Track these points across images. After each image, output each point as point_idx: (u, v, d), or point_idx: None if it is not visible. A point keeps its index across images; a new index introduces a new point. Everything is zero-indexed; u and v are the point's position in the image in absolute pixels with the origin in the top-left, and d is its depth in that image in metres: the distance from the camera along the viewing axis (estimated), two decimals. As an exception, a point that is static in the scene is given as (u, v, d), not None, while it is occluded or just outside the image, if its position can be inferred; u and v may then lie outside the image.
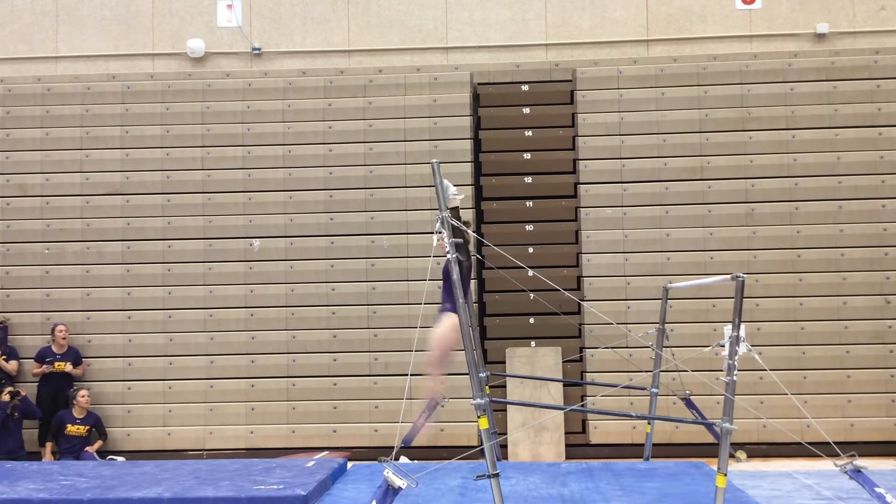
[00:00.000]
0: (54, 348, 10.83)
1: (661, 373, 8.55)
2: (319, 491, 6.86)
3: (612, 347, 9.60)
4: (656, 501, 6.62)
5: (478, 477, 5.51)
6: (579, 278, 10.88)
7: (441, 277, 6.97)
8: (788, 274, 10.69)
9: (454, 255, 5.68)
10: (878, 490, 5.73)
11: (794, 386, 10.06)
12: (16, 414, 10.43)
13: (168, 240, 11.20)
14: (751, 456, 10.20)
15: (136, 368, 11.04)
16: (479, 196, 11.10)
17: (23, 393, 10.50)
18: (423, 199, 10.89)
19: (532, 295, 8.53)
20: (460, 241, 5.93)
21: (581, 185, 11.01)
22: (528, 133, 11.08)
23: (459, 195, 6.58)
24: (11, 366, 10.87)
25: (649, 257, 10.83)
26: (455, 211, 6.25)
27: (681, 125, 10.97)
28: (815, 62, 10.97)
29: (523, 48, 11.44)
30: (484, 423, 5.54)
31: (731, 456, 9.64)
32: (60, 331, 10.84)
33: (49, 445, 10.56)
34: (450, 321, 6.80)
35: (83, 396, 10.55)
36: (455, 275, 5.67)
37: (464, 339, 5.66)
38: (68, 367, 10.80)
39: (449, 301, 6.77)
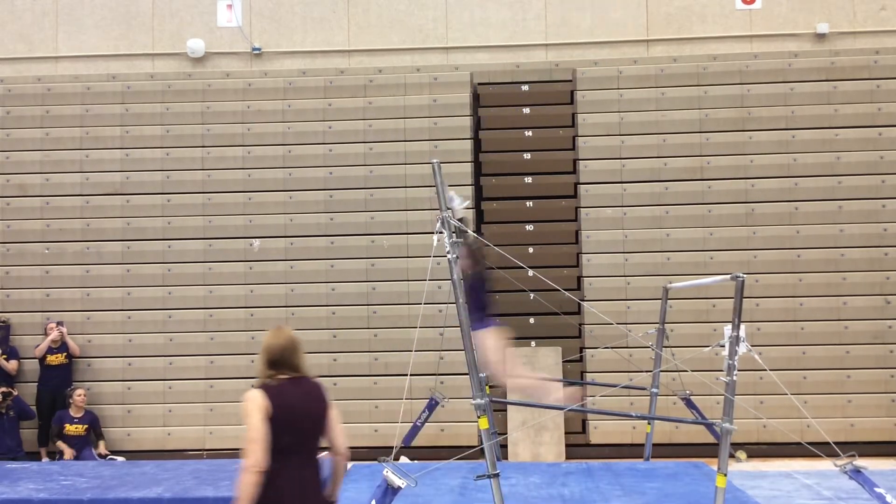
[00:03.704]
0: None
1: (661, 373, 8.56)
2: (319, 491, 6.84)
3: (612, 347, 9.59)
4: (656, 501, 6.63)
5: (478, 477, 5.51)
6: (579, 278, 10.87)
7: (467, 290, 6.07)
8: (788, 274, 10.68)
9: (454, 256, 5.68)
10: (877, 490, 5.74)
11: (794, 386, 10.04)
12: (11, 413, 10.43)
13: (168, 240, 11.19)
14: (751, 456, 10.20)
15: (136, 368, 11.02)
16: (479, 196, 11.09)
17: (14, 393, 10.49)
18: (423, 199, 10.87)
19: (532, 295, 8.53)
20: (460, 240, 5.93)
21: (581, 185, 11.01)
22: (528, 133, 11.07)
23: (465, 203, 6.61)
24: (12, 365, 10.85)
25: (649, 257, 10.82)
26: (463, 221, 6.26)
27: (681, 125, 10.97)
28: (815, 62, 10.96)
29: (523, 48, 11.43)
30: (484, 423, 5.54)
31: (731, 456, 9.63)
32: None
33: (44, 451, 10.58)
34: (485, 341, 6.73)
35: (79, 395, 10.52)
36: (455, 275, 5.67)
37: (464, 339, 5.66)
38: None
39: (475, 315, 6.33)
